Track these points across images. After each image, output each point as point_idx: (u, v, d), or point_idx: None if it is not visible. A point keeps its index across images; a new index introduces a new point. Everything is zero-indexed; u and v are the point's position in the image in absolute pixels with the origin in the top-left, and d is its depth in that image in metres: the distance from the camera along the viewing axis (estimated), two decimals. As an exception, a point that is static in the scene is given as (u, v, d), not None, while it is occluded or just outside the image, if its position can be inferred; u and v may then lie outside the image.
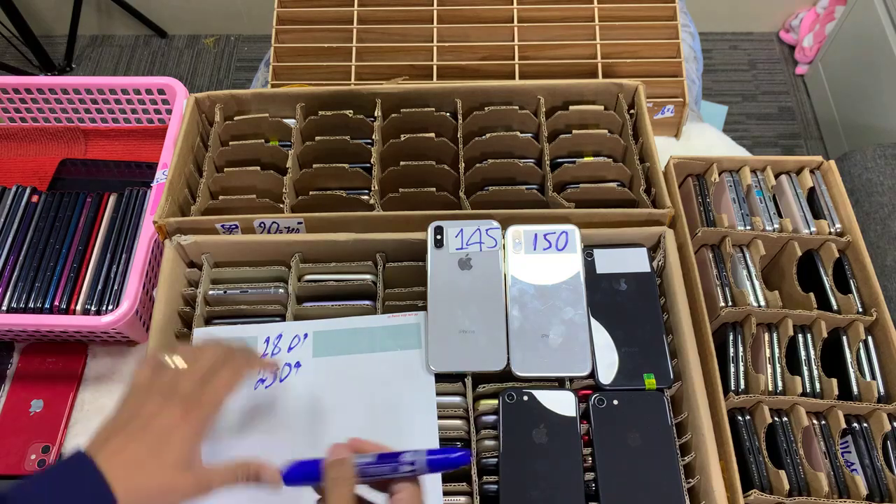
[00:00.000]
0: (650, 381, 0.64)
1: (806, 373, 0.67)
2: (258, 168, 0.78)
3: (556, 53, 1.01)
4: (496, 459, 0.62)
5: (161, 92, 0.93)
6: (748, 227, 0.73)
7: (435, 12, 1.03)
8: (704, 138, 1.04)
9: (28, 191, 0.89)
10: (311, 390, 0.64)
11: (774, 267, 0.76)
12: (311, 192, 0.79)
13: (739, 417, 0.64)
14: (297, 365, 0.65)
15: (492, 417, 0.64)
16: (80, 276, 0.82)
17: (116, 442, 0.47)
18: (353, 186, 0.79)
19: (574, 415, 0.63)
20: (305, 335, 0.66)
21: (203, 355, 0.53)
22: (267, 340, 0.66)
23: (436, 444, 0.62)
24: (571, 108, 0.82)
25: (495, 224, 0.71)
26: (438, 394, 0.65)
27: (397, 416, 0.63)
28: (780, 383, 0.66)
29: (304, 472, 0.49)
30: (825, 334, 0.68)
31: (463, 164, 0.78)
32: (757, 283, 0.70)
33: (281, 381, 0.65)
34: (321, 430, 0.62)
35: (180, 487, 0.47)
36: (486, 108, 0.81)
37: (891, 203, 1.15)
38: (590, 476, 0.61)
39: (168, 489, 0.47)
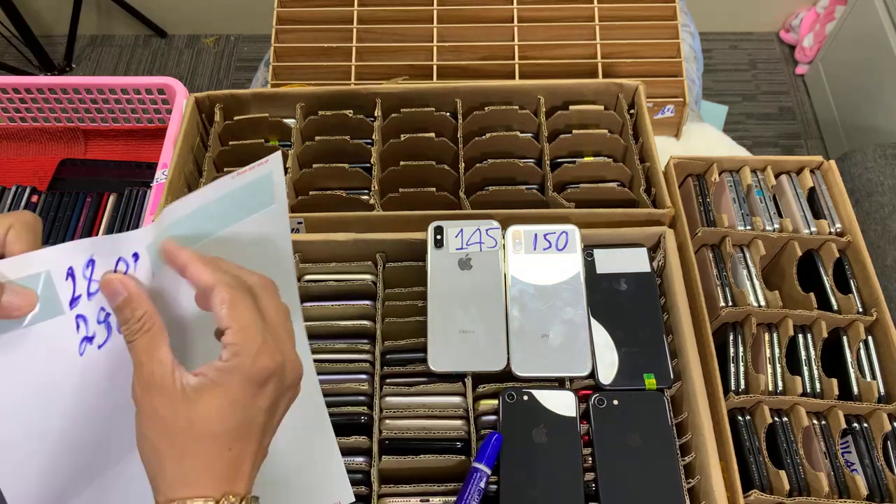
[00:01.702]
0: (650, 381, 0.64)
1: (806, 373, 0.67)
2: (258, 168, 0.78)
3: (556, 53, 1.01)
4: (496, 459, 0.62)
5: (161, 92, 0.93)
6: (748, 227, 0.73)
7: (435, 12, 1.03)
8: (704, 138, 1.04)
9: (28, 191, 0.89)
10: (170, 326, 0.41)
11: (774, 267, 0.76)
12: (311, 192, 0.79)
13: (739, 417, 0.64)
14: None
15: (492, 417, 0.64)
16: (80, 276, 0.82)
17: None
18: (353, 186, 0.79)
19: (574, 415, 0.63)
20: (136, 255, 0.41)
21: None
22: (71, 274, 0.38)
23: (296, 299, 0.49)
24: (571, 108, 0.82)
25: (495, 224, 0.71)
26: (439, 394, 0.65)
27: None
28: (780, 383, 0.66)
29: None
30: (825, 334, 0.68)
31: (463, 164, 0.78)
32: (757, 283, 0.70)
33: (119, 331, 0.40)
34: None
35: None
36: (486, 108, 0.81)
37: (891, 203, 1.15)
38: (590, 476, 0.61)
39: None
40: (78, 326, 0.39)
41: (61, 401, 0.40)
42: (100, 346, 0.40)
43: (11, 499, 0.40)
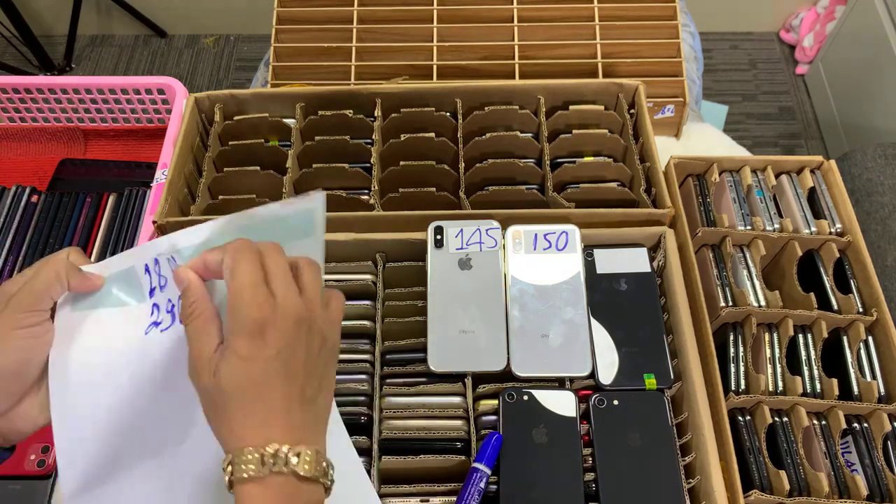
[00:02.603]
0: (650, 381, 0.64)
1: (806, 373, 0.67)
2: (258, 168, 0.78)
3: (556, 53, 1.01)
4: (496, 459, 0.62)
5: (161, 92, 0.93)
6: (748, 227, 0.73)
7: (435, 12, 1.03)
8: (704, 138, 1.04)
9: (28, 191, 0.89)
10: None
11: (775, 267, 0.76)
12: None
13: (740, 417, 0.64)
14: None
15: (492, 417, 0.64)
16: (80, 276, 0.82)
17: None
18: (353, 186, 0.79)
19: (574, 415, 0.63)
20: (173, 258, 0.48)
21: None
22: (147, 270, 0.48)
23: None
24: (571, 107, 0.82)
25: (495, 224, 0.71)
26: (439, 394, 0.65)
27: None
28: (780, 383, 0.66)
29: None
30: (825, 334, 0.67)
31: (463, 164, 0.78)
32: (757, 283, 0.70)
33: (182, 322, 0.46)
34: None
35: None
36: (486, 108, 0.81)
37: (891, 203, 1.15)
38: (590, 476, 0.61)
39: None
40: (152, 312, 0.47)
41: (122, 374, 0.46)
42: (162, 330, 0.46)
43: (63, 454, 0.46)
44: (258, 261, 0.41)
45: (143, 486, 0.47)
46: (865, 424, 0.64)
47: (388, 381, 0.67)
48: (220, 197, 0.77)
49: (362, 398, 0.65)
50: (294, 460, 0.39)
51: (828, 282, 0.71)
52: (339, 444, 0.52)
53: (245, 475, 0.38)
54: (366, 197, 0.77)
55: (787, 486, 0.60)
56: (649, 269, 0.70)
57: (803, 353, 0.68)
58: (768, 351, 0.68)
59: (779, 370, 0.67)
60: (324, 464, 0.41)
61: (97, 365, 0.46)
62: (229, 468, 0.39)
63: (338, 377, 0.66)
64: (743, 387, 0.66)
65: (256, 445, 0.39)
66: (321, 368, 0.43)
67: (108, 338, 0.47)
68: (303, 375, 0.42)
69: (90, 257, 0.83)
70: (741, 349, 0.67)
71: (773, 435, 0.63)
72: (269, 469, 0.39)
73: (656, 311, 0.68)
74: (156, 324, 0.47)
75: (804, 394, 0.65)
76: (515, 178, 0.80)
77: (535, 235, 0.70)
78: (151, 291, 0.47)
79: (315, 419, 0.43)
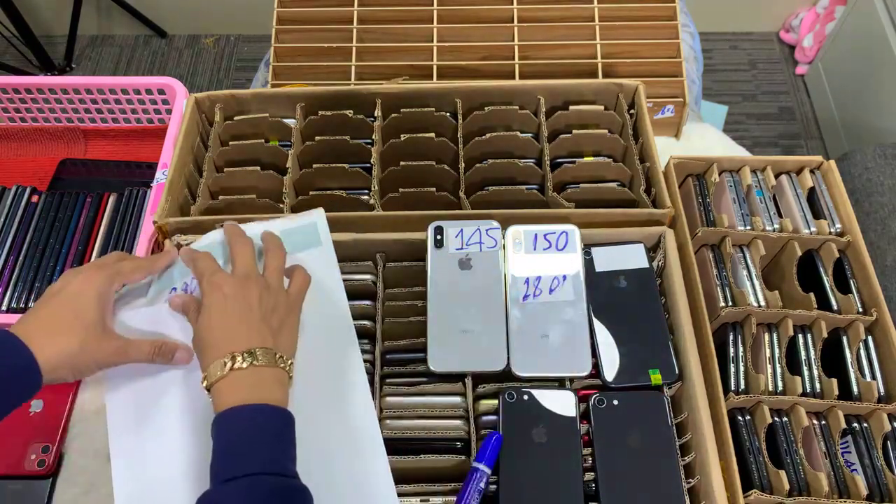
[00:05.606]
0: (656, 377, 0.64)
1: (806, 373, 0.67)
2: (258, 168, 0.78)
3: (556, 53, 1.01)
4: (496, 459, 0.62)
5: (161, 92, 0.93)
6: (748, 227, 0.73)
7: (435, 12, 1.03)
8: (704, 138, 1.04)
9: (28, 191, 0.89)
10: None
11: (774, 267, 0.76)
12: (311, 192, 0.79)
13: (739, 417, 0.64)
14: None
15: (492, 417, 0.64)
16: (80, 276, 0.82)
17: (34, 312, 0.55)
18: (353, 186, 0.79)
19: (574, 415, 0.63)
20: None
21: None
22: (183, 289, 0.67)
23: (349, 324, 0.66)
24: (571, 108, 0.82)
25: (495, 224, 0.71)
26: (439, 394, 0.65)
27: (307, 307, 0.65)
28: (780, 383, 0.66)
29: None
30: (825, 334, 0.68)
31: (463, 164, 0.78)
32: (757, 283, 0.70)
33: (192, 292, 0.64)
34: None
35: (98, 347, 0.55)
36: (486, 108, 0.81)
37: (891, 203, 1.15)
38: (590, 476, 0.61)
39: (85, 347, 0.54)
40: (171, 291, 0.66)
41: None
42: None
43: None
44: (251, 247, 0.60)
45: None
46: (865, 424, 0.64)
47: (389, 380, 0.67)
48: (221, 197, 0.77)
49: (362, 398, 0.65)
50: (247, 358, 0.52)
51: (827, 282, 0.71)
52: (376, 464, 0.61)
53: (214, 378, 0.51)
54: (366, 197, 0.77)
55: (787, 486, 0.60)
56: (647, 265, 0.70)
57: (803, 353, 0.68)
58: (768, 351, 0.68)
59: (778, 370, 0.67)
60: (277, 355, 0.53)
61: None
62: (205, 381, 0.52)
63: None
64: (743, 387, 0.66)
65: (222, 356, 0.52)
66: (280, 313, 0.56)
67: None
68: (259, 312, 0.55)
69: (90, 257, 0.83)
70: (741, 349, 0.68)
71: (773, 435, 0.63)
72: (229, 368, 0.51)
73: (657, 306, 0.68)
74: (174, 289, 0.64)
75: (804, 394, 0.65)
76: (515, 179, 0.80)
77: (535, 235, 0.70)
78: (174, 289, 0.64)
79: (274, 340, 0.55)
